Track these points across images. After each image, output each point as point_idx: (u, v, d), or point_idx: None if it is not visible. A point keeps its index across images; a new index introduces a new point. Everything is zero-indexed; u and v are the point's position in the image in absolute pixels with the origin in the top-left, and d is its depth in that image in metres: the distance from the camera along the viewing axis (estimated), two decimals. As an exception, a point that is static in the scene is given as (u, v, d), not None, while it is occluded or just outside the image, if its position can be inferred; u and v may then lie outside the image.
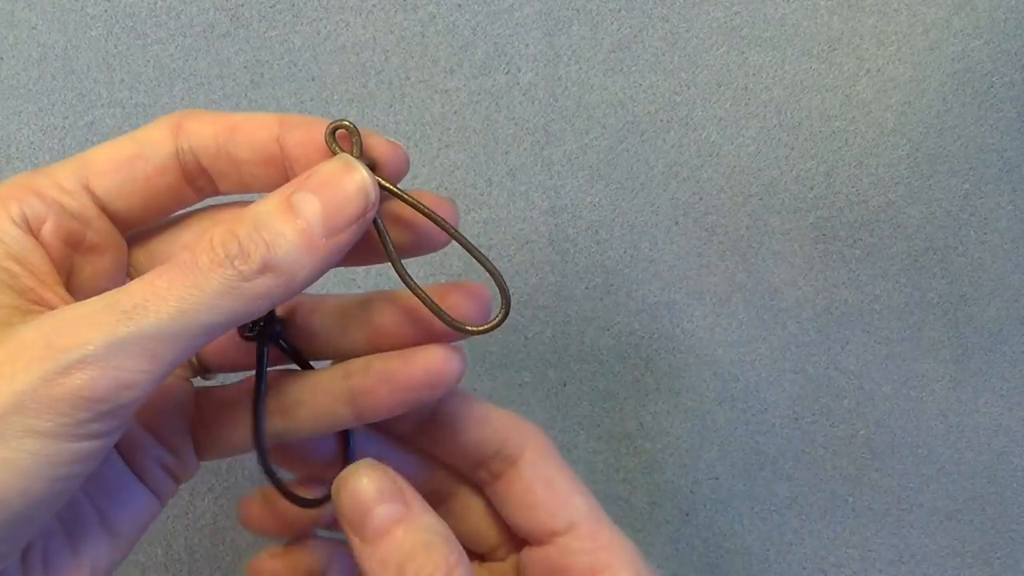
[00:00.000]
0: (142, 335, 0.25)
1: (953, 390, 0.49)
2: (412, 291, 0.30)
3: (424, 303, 0.30)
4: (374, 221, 0.29)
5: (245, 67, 0.46)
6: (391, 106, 0.47)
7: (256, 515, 0.35)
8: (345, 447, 0.34)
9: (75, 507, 0.31)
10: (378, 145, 0.30)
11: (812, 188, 0.48)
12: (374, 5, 0.47)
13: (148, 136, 0.30)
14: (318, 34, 0.46)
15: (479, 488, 0.35)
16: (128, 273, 0.32)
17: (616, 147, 0.48)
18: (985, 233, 0.49)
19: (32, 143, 0.46)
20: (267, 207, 0.27)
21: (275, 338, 0.32)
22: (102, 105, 0.46)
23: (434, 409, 0.33)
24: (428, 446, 0.34)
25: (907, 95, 0.48)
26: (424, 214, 0.30)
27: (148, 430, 0.33)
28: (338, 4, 0.47)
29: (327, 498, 0.32)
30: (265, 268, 0.26)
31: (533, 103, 0.47)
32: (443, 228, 0.30)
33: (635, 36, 0.47)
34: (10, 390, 0.25)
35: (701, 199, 0.48)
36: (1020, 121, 0.48)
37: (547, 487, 0.33)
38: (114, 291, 0.26)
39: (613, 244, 0.48)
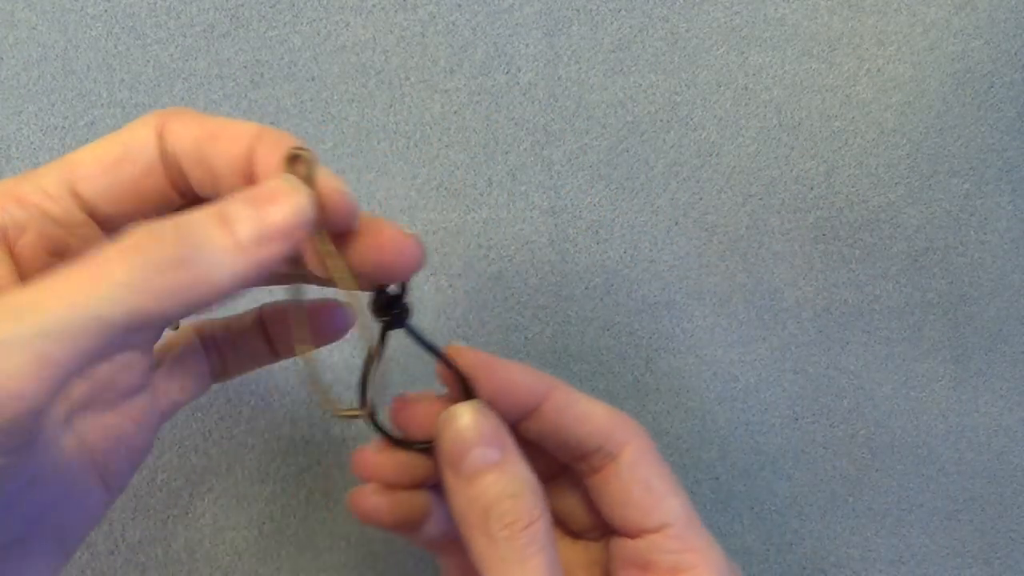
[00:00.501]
0: (27, 334, 0.22)
1: (953, 390, 0.49)
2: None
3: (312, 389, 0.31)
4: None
5: (245, 67, 0.46)
6: (391, 106, 0.47)
7: (370, 461, 0.35)
8: (462, 387, 0.34)
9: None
10: (328, 185, 0.28)
11: (812, 188, 0.48)
12: (374, 5, 0.47)
13: (133, 137, 0.29)
14: (318, 34, 0.46)
15: (578, 476, 0.36)
16: None
17: (616, 147, 0.48)
18: (985, 233, 0.49)
19: (32, 143, 0.46)
20: (195, 215, 0.25)
21: (403, 324, 0.33)
22: (102, 105, 0.46)
23: (539, 404, 0.34)
24: (532, 436, 0.35)
25: (907, 95, 0.48)
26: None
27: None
28: (338, 4, 0.47)
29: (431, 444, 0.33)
30: (182, 263, 0.24)
31: (533, 103, 0.47)
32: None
33: (635, 36, 0.47)
34: None
35: (701, 199, 0.48)
36: (1020, 121, 0.48)
37: (644, 487, 0.34)
38: (13, 290, 0.24)
39: (613, 244, 0.48)
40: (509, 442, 0.32)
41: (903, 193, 0.48)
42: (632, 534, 0.34)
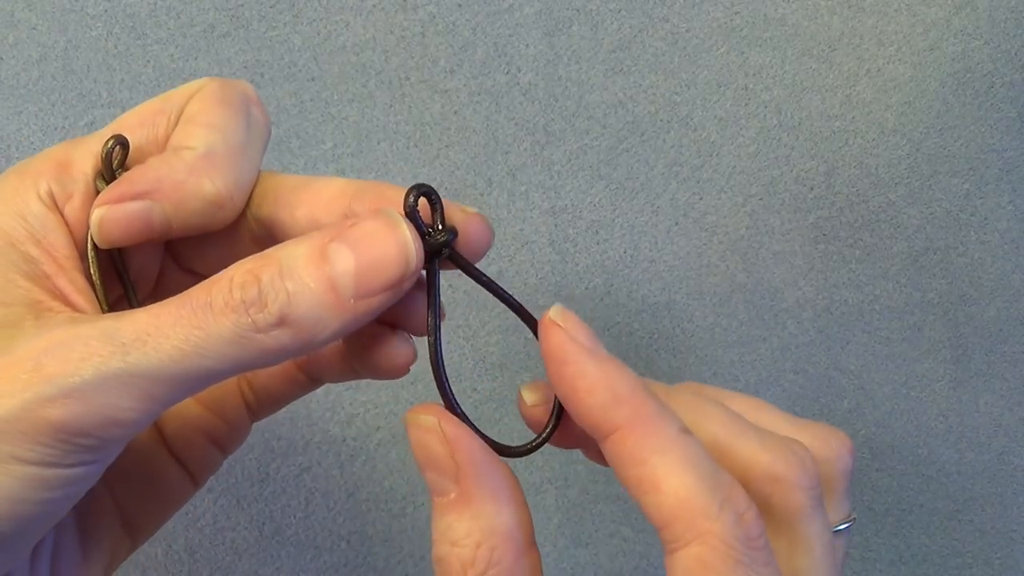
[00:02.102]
0: (136, 373, 0.23)
1: (953, 390, 0.49)
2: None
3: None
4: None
5: (245, 67, 0.46)
6: (391, 106, 0.47)
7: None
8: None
9: (91, 502, 0.29)
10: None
11: (812, 188, 0.48)
12: (374, 5, 0.47)
13: (174, 93, 0.29)
14: (318, 34, 0.46)
15: None
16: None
17: (616, 147, 0.48)
18: (985, 233, 0.49)
19: (32, 143, 0.46)
20: (299, 251, 0.24)
21: (454, 259, 0.27)
22: (102, 105, 0.46)
23: (606, 440, 0.26)
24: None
25: (907, 95, 0.48)
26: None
27: (198, 402, 0.32)
28: (338, 4, 0.47)
29: (530, 448, 0.28)
30: (282, 322, 0.24)
31: (533, 103, 0.47)
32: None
33: (635, 36, 0.47)
34: None
35: (701, 199, 0.48)
36: (1020, 121, 0.48)
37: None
38: (119, 317, 0.24)
39: (613, 244, 0.48)
40: (477, 477, 0.26)
41: (903, 193, 0.48)
42: None
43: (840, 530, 0.29)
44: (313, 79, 0.47)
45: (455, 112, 0.47)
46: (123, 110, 0.47)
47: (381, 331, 0.28)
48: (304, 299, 0.24)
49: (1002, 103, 0.48)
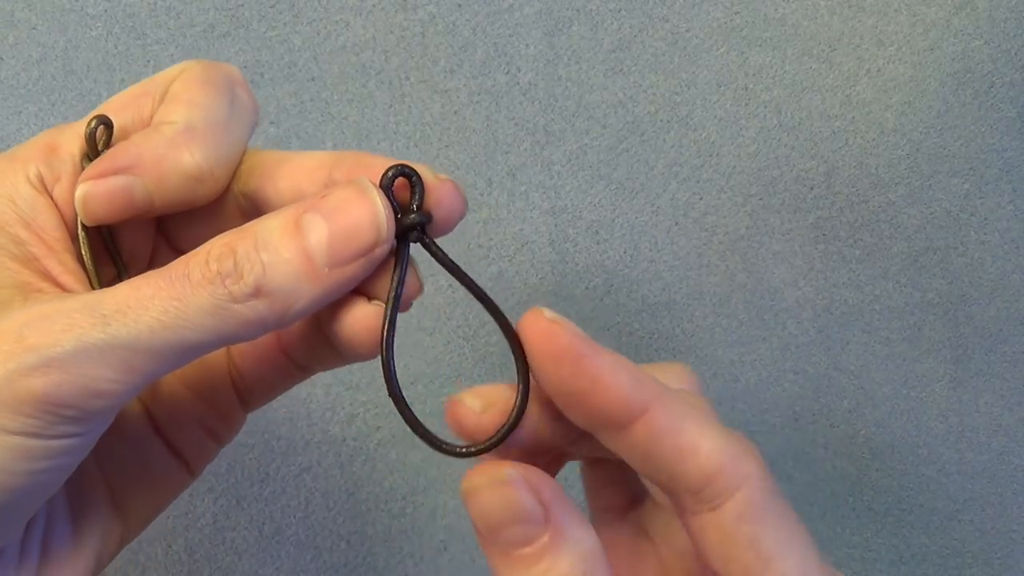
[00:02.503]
0: (116, 344, 0.23)
1: (953, 390, 0.49)
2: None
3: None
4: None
5: (245, 67, 0.46)
6: (391, 106, 0.47)
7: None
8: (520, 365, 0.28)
9: (83, 485, 0.30)
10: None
11: (812, 188, 0.48)
12: (374, 5, 0.47)
13: (158, 76, 0.29)
14: (318, 34, 0.46)
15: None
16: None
17: (616, 147, 0.48)
18: (985, 233, 0.49)
19: (32, 143, 0.46)
20: (272, 223, 0.25)
21: (423, 241, 0.27)
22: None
23: (632, 423, 0.26)
24: (612, 450, 0.29)
25: (907, 95, 0.48)
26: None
27: (188, 388, 0.32)
28: (338, 4, 0.47)
29: (480, 448, 0.27)
30: (258, 292, 0.24)
31: (533, 103, 0.47)
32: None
33: (635, 36, 0.47)
34: None
35: (701, 199, 0.48)
36: (1020, 121, 0.48)
37: (750, 546, 0.26)
38: (100, 292, 0.25)
39: (613, 244, 0.48)
40: (559, 506, 0.25)
41: (903, 193, 0.48)
42: None
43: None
44: (313, 79, 0.47)
45: (455, 112, 0.47)
46: (123, 110, 0.47)
47: (354, 302, 0.28)
48: (279, 269, 0.24)
49: (1002, 103, 0.48)
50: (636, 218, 0.48)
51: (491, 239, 0.47)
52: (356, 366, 0.47)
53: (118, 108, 0.29)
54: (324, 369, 0.33)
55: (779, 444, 0.48)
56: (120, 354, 0.24)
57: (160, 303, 0.24)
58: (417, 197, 0.26)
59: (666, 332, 0.48)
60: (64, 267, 0.27)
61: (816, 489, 0.49)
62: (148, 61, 0.46)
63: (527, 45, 0.47)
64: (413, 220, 0.26)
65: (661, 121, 0.48)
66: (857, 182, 0.48)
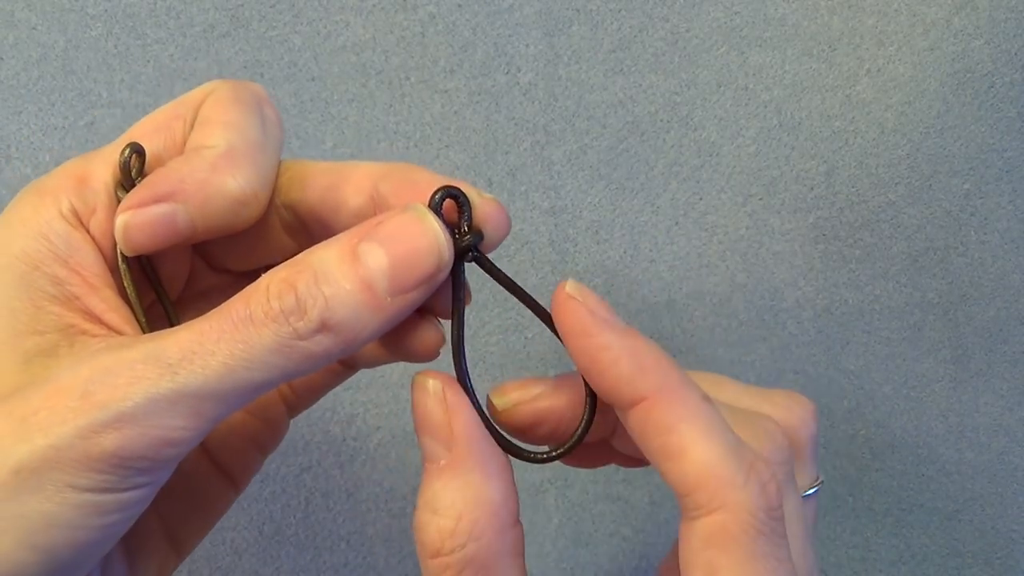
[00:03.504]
0: (186, 393, 0.23)
1: (953, 390, 0.49)
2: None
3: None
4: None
5: (245, 67, 0.46)
6: (391, 106, 0.47)
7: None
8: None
9: (138, 523, 0.29)
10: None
11: (812, 188, 0.48)
12: (374, 5, 0.47)
13: (187, 98, 0.29)
14: (318, 34, 0.46)
15: None
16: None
17: (616, 147, 0.48)
18: (985, 233, 0.49)
19: (32, 143, 0.46)
20: (330, 255, 0.24)
21: (478, 259, 0.27)
22: (102, 105, 0.46)
23: (630, 407, 0.26)
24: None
25: (907, 95, 0.48)
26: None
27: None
28: (338, 4, 0.47)
29: (554, 454, 0.27)
30: (323, 327, 0.24)
31: (533, 103, 0.47)
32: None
33: (635, 36, 0.47)
34: (45, 443, 0.23)
35: (701, 199, 0.48)
36: (1020, 121, 0.48)
37: (704, 574, 0.24)
38: (161, 336, 0.24)
39: (613, 244, 0.48)
40: (470, 444, 0.26)
41: (903, 193, 0.48)
42: None
43: (809, 495, 0.29)
44: (313, 79, 0.47)
45: (455, 112, 0.47)
46: (123, 110, 0.47)
47: (410, 317, 0.27)
48: (342, 302, 0.24)
49: (1002, 103, 0.48)
50: (636, 218, 0.48)
51: (491, 239, 0.47)
52: (356, 366, 0.47)
53: (148, 133, 0.28)
54: (370, 367, 0.33)
55: (779, 444, 0.48)
56: (190, 402, 0.23)
57: (226, 347, 0.23)
58: (466, 217, 0.26)
59: (666, 332, 0.48)
60: (107, 304, 0.27)
61: (816, 489, 0.49)
62: (148, 61, 0.46)
63: (527, 45, 0.47)
64: (468, 242, 0.26)
65: (661, 121, 0.48)
66: (857, 182, 0.48)
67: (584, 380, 0.27)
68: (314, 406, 0.47)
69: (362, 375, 0.47)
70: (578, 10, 0.47)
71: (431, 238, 0.25)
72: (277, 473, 0.47)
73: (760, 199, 0.48)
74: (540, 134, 0.47)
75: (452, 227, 0.26)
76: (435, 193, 0.26)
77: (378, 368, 0.47)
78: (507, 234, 0.27)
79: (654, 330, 0.48)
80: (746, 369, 0.48)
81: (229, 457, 0.32)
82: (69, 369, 0.24)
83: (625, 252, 0.48)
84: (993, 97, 0.48)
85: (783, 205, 0.48)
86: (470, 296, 0.28)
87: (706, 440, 0.24)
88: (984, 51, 0.48)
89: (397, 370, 0.47)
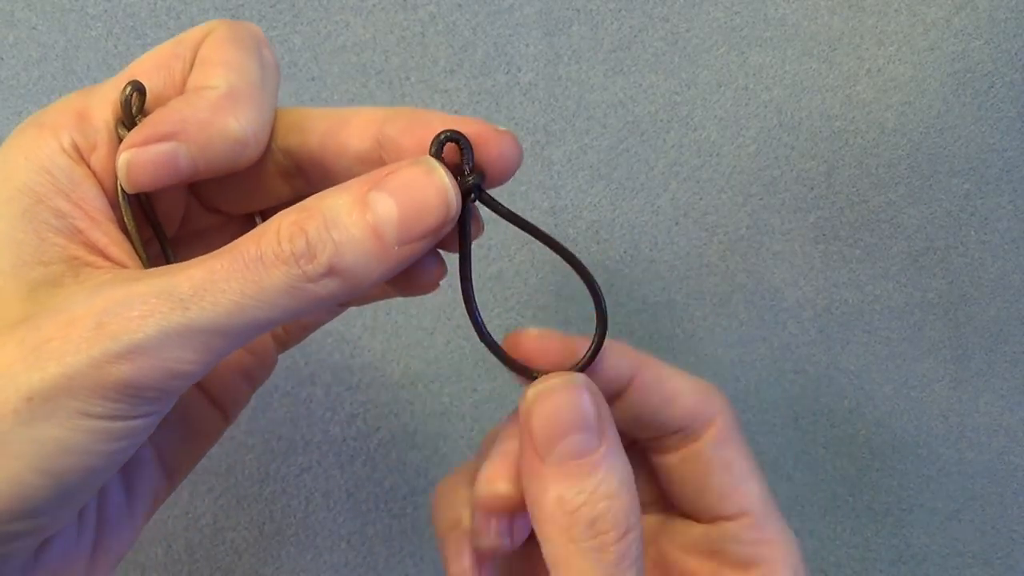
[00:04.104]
0: (197, 328, 0.24)
1: (953, 390, 0.49)
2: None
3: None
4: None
5: (245, 67, 0.46)
6: (391, 106, 0.47)
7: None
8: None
9: (136, 452, 0.30)
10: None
11: (812, 188, 0.48)
12: (374, 5, 0.47)
13: (186, 36, 0.29)
14: (318, 34, 0.46)
15: (642, 451, 0.32)
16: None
17: (616, 147, 0.48)
18: (985, 233, 0.49)
19: (32, 143, 0.46)
20: (340, 202, 0.25)
21: (482, 199, 0.28)
22: (102, 105, 0.46)
23: (628, 385, 0.30)
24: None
25: (907, 95, 0.48)
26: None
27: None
28: (338, 4, 0.47)
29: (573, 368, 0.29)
30: (331, 271, 0.25)
31: (533, 103, 0.47)
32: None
33: (635, 36, 0.47)
34: (58, 371, 0.24)
35: (701, 199, 0.48)
36: (1020, 121, 0.48)
37: (724, 470, 0.30)
38: (172, 271, 0.25)
39: (613, 244, 0.48)
40: (611, 429, 0.27)
41: (903, 193, 0.48)
42: (704, 519, 0.31)
43: None
44: (313, 79, 0.47)
45: (455, 112, 0.47)
46: (123, 110, 0.47)
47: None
48: (351, 248, 0.25)
49: (1002, 103, 0.48)
50: (636, 218, 0.48)
51: (491, 239, 0.47)
52: (356, 367, 0.47)
53: (148, 71, 0.29)
54: (363, 304, 0.34)
55: (779, 444, 0.48)
56: (200, 337, 0.24)
57: (237, 285, 0.24)
58: (468, 159, 0.27)
59: (666, 332, 0.48)
60: (109, 238, 0.27)
61: (816, 489, 0.49)
62: (148, 61, 0.46)
63: (527, 45, 0.47)
64: (470, 183, 0.27)
65: (661, 121, 0.48)
66: (857, 182, 0.48)
67: (598, 308, 0.30)
68: (314, 406, 0.47)
69: (363, 375, 0.47)
70: (578, 10, 0.47)
71: (440, 191, 0.26)
72: (277, 473, 0.47)
73: (760, 199, 0.48)
74: (540, 134, 0.47)
75: (455, 169, 0.27)
76: (438, 137, 0.27)
77: (378, 368, 0.47)
78: (518, 166, 0.28)
79: (654, 330, 0.48)
80: (746, 369, 0.48)
81: (221, 389, 0.32)
82: (82, 300, 0.25)
83: (625, 252, 0.48)
84: (993, 97, 0.48)
85: (783, 205, 0.48)
86: (482, 228, 0.29)
87: (684, 380, 0.31)
88: (984, 51, 0.48)
89: (397, 370, 0.47)
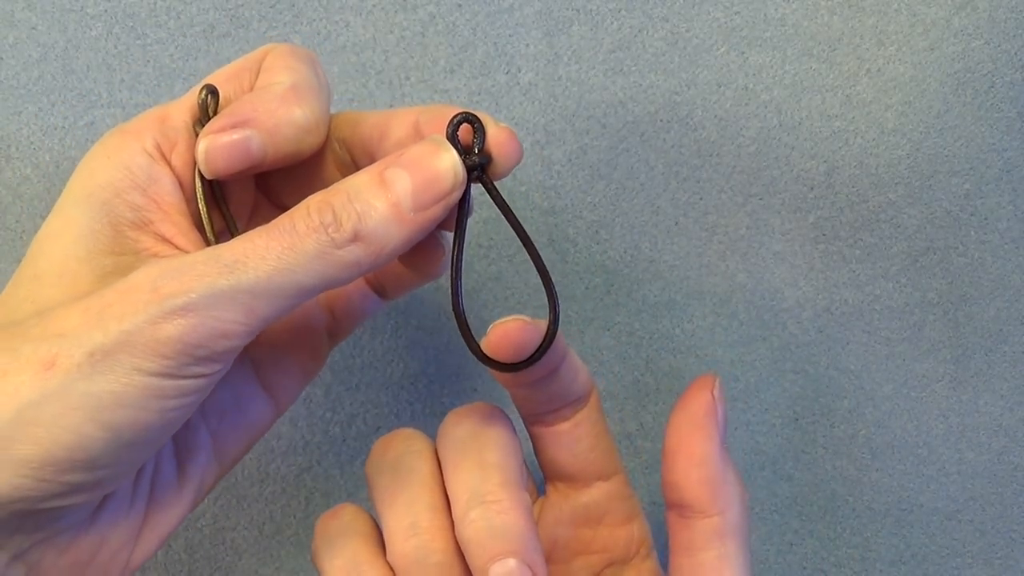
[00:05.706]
0: (240, 289, 0.27)
1: (953, 390, 0.49)
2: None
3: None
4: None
5: (245, 67, 0.46)
6: (391, 106, 0.47)
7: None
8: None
9: (189, 429, 0.33)
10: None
11: (812, 188, 0.48)
12: (374, 5, 0.47)
13: (253, 55, 0.33)
14: (318, 34, 0.46)
15: (536, 430, 0.36)
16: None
17: (616, 147, 0.48)
18: (985, 233, 0.49)
19: (32, 143, 0.46)
20: (361, 180, 0.29)
21: (482, 180, 0.32)
22: (102, 105, 0.46)
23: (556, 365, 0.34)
24: (526, 392, 0.35)
25: (907, 95, 0.48)
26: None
27: (285, 328, 0.35)
28: (338, 4, 0.47)
29: (526, 362, 0.32)
30: (356, 237, 0.28)
31: (533, 103, 0.47)
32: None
33: (635, 36, 0.47)
34: (118, 329, 0.26)
35: (701, 199, 0.48)
36: (1020, 121, 0.48)
37: (606, 430, 0.36)
38: (218, 246, 0.28)
39: (613, 244, 0.48)
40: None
41: (903, 193, 0.48)
42: (587, 481, 0.35)
43: None
44: (313, 79, 0.47)
45: (455, 112, 0.47)
46: (123, 110, 0.47)
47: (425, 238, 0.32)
48: (372, 216, 0.28)
49: (1002, 103, 0.48)
50: (636, 218, 0.48)
51: (491, 239, 0.47)
52: (356, 367, 0.47)
53: (220, 81, 0.33)
54: (397, 296, 0.39)
55: (779, 444, 0.48)
56: (243, 298, 0.27)
57: (274, 252, 0.27)
58: (479, 141, 0.31)
59: (666, 332, 0.48)
60: (178, 229, 0.31)
61: (816, 489, 0.49)
62: (148, 61, 0.46)
63: (527, 45, 0.47)
64: (475, 161, 0.31)
65: (661, 121, 0.48)
66: (857, 182, 0.48)
67: (547, 288, 0.33)
68: (314, 406, 0.47)
69: (363, 375, 0.47)
70: (578, 10, 0.47)
71: (447, 162, 0.30)
72: (277, 473, 0.47)
73: (760, 199, 0.48)
74: (540, 134, 0.47)
75: (467, 148, 0.31)
76: (453, 118, 0.30)
77: (378, 368, 0.47)
78: (518, 160, 0.32)
79: (654, 330, 0.48)
80: (746, 369, 0.48)
81: (276, 378, 0.35)
82: (140, 272, 0.27)
83: (625, 252, 0.48)
84: (993, 97, 0.48)
85: (783, 205, 0.48)
86: (472, 209, 0.32)
87: (580, 363, 0.36)
88: (984, 51, 0.48)
89: (397, 370, 0.47)
